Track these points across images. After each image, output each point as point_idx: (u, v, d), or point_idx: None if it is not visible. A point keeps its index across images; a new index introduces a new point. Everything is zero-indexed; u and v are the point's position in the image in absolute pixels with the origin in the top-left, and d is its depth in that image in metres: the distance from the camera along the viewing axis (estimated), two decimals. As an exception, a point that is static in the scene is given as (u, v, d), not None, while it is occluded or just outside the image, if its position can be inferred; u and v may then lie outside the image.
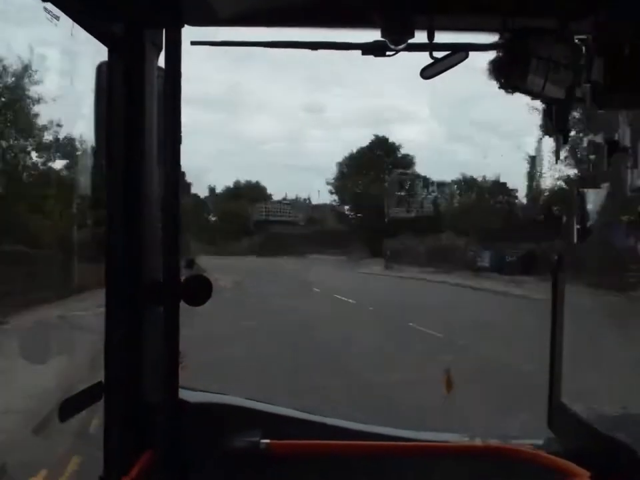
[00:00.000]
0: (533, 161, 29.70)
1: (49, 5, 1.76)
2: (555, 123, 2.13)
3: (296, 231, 49.05)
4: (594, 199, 2.38)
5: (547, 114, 2.12)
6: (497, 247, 31.06)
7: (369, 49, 2.11)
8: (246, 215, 51.55)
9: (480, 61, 2.07)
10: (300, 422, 2.40)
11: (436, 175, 48.66)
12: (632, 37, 1.93)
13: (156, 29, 2.06)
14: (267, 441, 2.23)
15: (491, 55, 2.04)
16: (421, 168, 48.29)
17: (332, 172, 49.14)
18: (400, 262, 35.58)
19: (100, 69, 2.09)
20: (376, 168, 45.18)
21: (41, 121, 22.01)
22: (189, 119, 2.10)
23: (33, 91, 21.23)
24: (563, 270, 2.34)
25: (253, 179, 55.70)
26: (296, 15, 2.17)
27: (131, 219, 2.08)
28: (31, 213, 20.10)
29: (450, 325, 15.56)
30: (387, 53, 2.09)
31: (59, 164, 23.35)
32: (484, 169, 45.01)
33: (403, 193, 38.88)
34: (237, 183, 55.76)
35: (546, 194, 31.38)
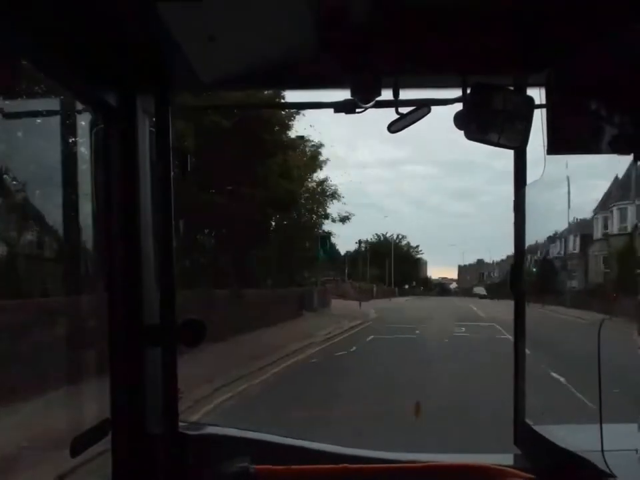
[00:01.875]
0: None
1: None
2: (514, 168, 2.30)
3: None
4: None
5: None
6: None
7: (340, 107, 2.30)
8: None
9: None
10: (287, 447, 2.56)
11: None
12: (578, 88, 2.12)
13: (145, 94, 2.26)
14: (255, 466, 2.38)
15: (455, 107, 2.23)
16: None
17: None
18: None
19: (96, 134, 2.30)
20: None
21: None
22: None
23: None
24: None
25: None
26: (274, 78, 2.40)
27: (130, 271, 2.29)
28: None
29: None
30: (357, 110, 2.29)
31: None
32: None
33: None
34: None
35: None
